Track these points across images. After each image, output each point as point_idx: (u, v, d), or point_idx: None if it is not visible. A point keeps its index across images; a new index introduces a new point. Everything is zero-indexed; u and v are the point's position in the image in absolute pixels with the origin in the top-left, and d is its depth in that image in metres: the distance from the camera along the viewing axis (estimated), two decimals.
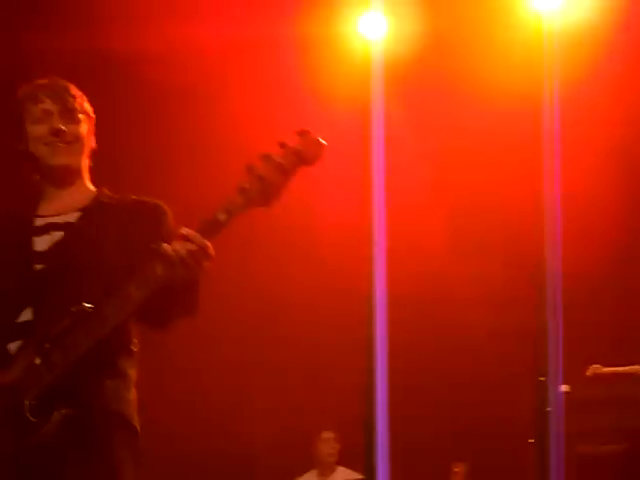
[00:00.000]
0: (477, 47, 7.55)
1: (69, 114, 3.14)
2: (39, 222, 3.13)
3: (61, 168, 3.14)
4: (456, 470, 7.67)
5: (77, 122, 3.15)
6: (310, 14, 7.54)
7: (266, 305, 8.07)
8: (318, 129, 7.72)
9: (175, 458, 7.70)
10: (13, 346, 2.95)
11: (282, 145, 2.81)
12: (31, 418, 2.82)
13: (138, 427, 3.05)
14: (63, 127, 3.10)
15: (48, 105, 3.13)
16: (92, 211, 3.14)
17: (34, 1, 7.57)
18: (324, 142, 2.84)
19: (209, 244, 2.82)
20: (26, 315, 2.99)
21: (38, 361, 2.86)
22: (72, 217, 3.12)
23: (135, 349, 3.11)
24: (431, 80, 7.78)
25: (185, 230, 2.82)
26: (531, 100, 7.38)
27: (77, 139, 3.14)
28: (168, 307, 2.96)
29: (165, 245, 2.81)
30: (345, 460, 7.82)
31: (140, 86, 7.68)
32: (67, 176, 3.16)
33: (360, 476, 7.69)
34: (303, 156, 2.81)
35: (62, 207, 3.15)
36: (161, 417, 7.42)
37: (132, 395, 3.06)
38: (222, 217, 2.80)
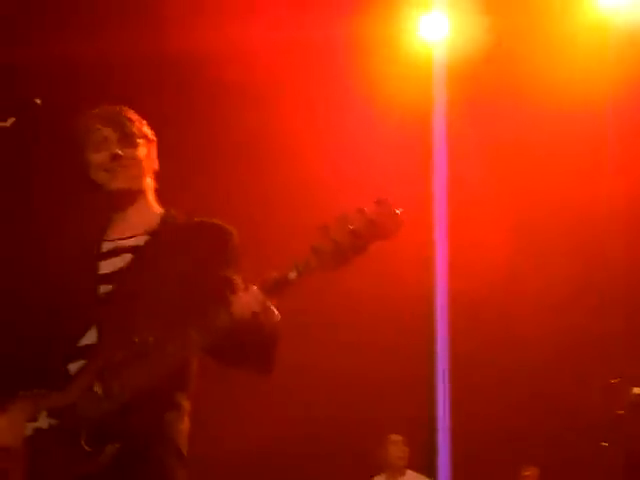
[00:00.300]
0: (542, 48, 7.32)
1: (127, 139, 3.15)
2: (107, 246, 3.15)
3: (121, 192, 3.15)
4: (526, 474, 7.48)
5: (135, 146, 3.16)
6: (369, 15, 7.32)
7: (332, 312, 8.02)
8: (377, 133, 7.57)
9: (245, 463, 7.71)
10: (73, 367, 2.97)
11: (359, 211, 2.76)
12: (86, 447, 2.84)
13: (186, 455, 3.05)
14: (120, 152, 3.12)
15: (106, 132, 3.15)
16: (159, 235, 3.14)
17: (91, 5, 7.51)
18: (399, 214, 2.76)
19: (271, 307, 2.82)
20: (89, 338, 3.00)
21: (98, 389, 2.88)
22: (140, 240, 3.13)
23: (193, 380, 3.11)
24: (494, 82, 7.48)
25: (253, 289, 2.80)
26: (597, 101, 7.27)
27: (135, 162, 3.16)
28: (238, 358, 2.97)
29: (232, 297, 2.81)
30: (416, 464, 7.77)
31: (195, 89, 7.64)
32: (128, 199, 3.17)
33: None
34: (379, 229, 2.75)
35: (130, 230, 3.16)
36: (232, 420, 7.45)
37: (184, 425, 3.07)
38: (292, 276, 2.79)
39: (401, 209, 2.78)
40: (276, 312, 2.86)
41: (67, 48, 7.05)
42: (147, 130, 3.23)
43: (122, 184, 3.15)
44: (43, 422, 2.93)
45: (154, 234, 3.15)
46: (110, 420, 2.85)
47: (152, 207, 3.23)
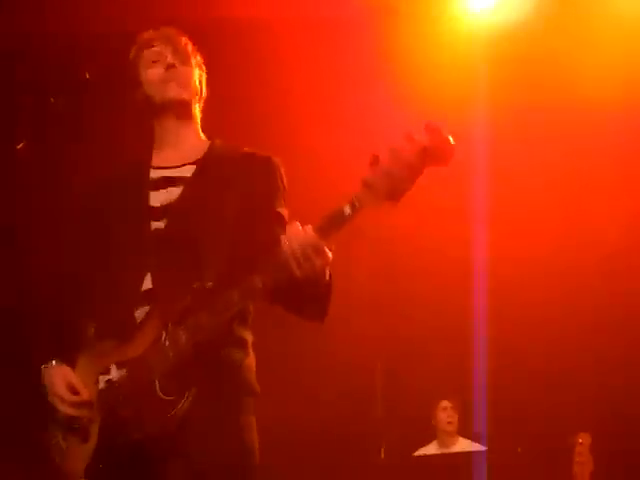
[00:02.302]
0: (598, 23, 6.97)
1: (181, 55, 3.19)
2: (154, 174, 3.13)
3: (175, 102, 3.16)
4: (580, 441, 7.38)
5: (189, 64, 3.19)
6: None
7: (392, 284, 7.98)
8: (418, 109, 7.29)
9: (299, 429, 7.70)
10: (139, 313, 2.98)
11: (410, 139, 2.66)
12: (163, 396, 2.87)
13: (258, 389, 3.09)
14: (177, 63, 3.16)
15: (160, 48, 3.19)
16: (206, 165, 3.13)
17: None
18: (453, 141, 2.66)
19: (323, 246, 2.76)
20: (147, 283, 3.00)
21: (165, 339, 2.89)
22: (187, 171, 3.12)
23: (250, 313, 3.13)
24: (543, 59, 7.16)
25: (305, 229, 2.75)
26: None
27: (188, 79, 3.18)
28: (296, 304, 2.99)
29: (284, 241, 2.75)
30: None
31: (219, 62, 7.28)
32: (181, 111, 3.17)
33: (482, 447, 7.41)
34: (432, 156, 2.65)
35: (176, 159, 3.14)
36: (287, 391, 7.45)
37: (250, 360, 3.09)
38: (347, 211, 2.72)
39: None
40: (329, 253, 2.80)
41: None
42: (199, 57, 3.26)
43: (176, 93, 3.16)
44: (114, 374, 2.96)
45: (201, 164, 3.14)
46: (182, 366, 2.87)
47: (199, 136, 3.23)
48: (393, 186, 2.67)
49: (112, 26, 6.62)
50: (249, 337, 3.11)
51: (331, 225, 2.74)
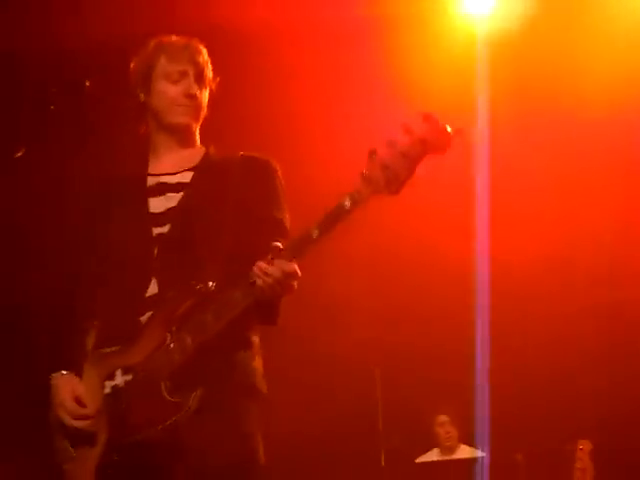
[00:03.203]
0: (597, 25, 6.98)
1: (202, 80, 3.21)
2: (151, 181, 3.16)
3: (184, 127, 3.20)
4: (581, 448, 7.39)
5: (205, 88, 3.22)
6: None
7: (386, 288, 7.99)
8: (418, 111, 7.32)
9: (299, 436, 7.70)
10: (144, 319, 3.00)
11: (407, 131, 2.69)
12: (169, 398, 2.87)
13: (265, 391, 3.11)
14: (198, 92, 3.17)
15: (185, 66, 3.18)
16: (204, 171, 3.17)
17: None
18: (450, 130, 2.69)
19: (297, 271, 2.84)
20: (152, 288, 3.02)
21: (170, 342, 2.90)
22: (185, 177, 3.15)
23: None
24: (541, 63, 7.18)
25: (280, 257, 2.81)
26: None
27: (201, 108, 3.22)
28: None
29: (259, 270, 2.80)
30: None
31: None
32: (187, 135, 3.22)
33: (483, 454, 7.39)
34: (429, 145, 2.68)
35: (174, 166, 3.17)
36: (286, 402, 7.45)
37: (257, 363, 3.11)
38: (347, 204, 2.76)
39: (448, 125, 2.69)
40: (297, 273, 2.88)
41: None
42: (211, 74, 3.26)
43: (187, 120, 3.19)
44: (119, 379, 2.97)
45: (199, 170, 3.16)
46: (186, 369, 2.88)
47: (195, 143, 3.26)
48: (391, 178, 2.69)
49: (113, 34, 6.63)
50: (256, 339, 3.12)
51: (331, 219, 2.77)
